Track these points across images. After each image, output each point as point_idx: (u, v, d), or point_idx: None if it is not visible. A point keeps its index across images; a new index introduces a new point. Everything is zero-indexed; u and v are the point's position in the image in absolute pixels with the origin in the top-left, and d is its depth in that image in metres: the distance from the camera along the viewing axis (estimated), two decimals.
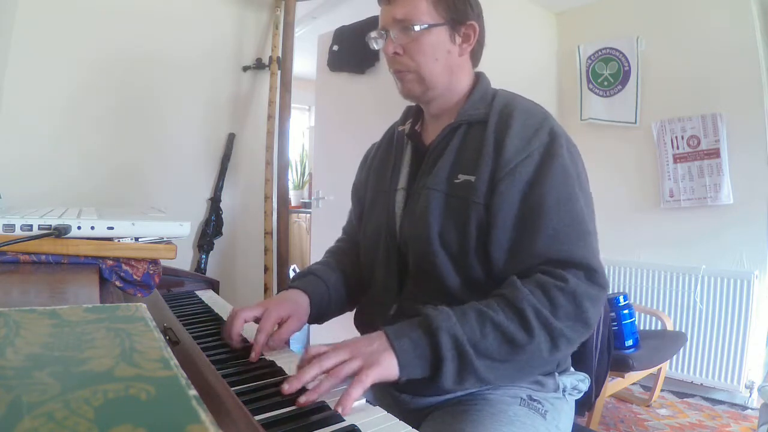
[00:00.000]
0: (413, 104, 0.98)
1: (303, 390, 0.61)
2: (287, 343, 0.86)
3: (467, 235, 0.77)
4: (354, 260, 1.00)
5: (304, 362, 0.64)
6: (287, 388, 0.60)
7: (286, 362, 0.73)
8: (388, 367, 0.64)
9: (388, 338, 0.66)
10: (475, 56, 0.89)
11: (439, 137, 0.86)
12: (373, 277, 0.93)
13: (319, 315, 0.92)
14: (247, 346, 0.79)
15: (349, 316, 1.00)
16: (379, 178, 0.97)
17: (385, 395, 0.86)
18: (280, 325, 0.83)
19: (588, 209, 0.77)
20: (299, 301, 0.88)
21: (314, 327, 2.70)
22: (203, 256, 2.05)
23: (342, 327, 1.03)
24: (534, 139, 0.77)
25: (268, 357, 0.75)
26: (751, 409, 2.21)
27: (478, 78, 0.90)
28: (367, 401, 0.62)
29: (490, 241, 0.76)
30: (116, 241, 0.72)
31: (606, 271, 0.80)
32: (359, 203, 1.04)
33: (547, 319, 0.67)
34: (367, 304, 0.96)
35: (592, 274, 0.72)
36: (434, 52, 0.83)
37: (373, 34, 0.87)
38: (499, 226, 0.75)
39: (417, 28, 0.81)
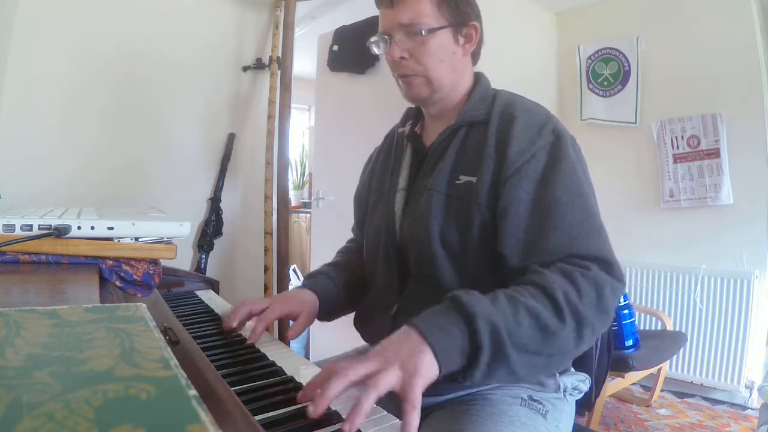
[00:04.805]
0: (413, 105, 0.98)
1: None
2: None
3: (469, 236, 0.77)
4: (362, 259, 1.01)
5: (321, 379, 0.54)
6: (312, 411, 0.51)
7: (286, 361, 0.73)
8: (430, 369, 0.56)
9: (421, 333, 0.58)
10: (475, 56, 0.90)
11: (439, 138, 0.86)
12: (374, 277, 0.94)
13: (329, 312, 0.95)
14: (242, 339, 0.83)
15: (349, 317, 1.00)
16: (380, 181, 0.98)
17: (384, 395, 0.85)
18: (289, 320, 0.86)
19: (597, 206, 0.77)
20: (307, 299, 0.91)
21: (314, 325, 2.70)
22: (203, 256, 2.05)
23: (342, 326, 1.04)
24: (538, 139, 0.76)
25: (269, 356, 0.75)
26: (751, 409, 2.21)
27: (478, 78, 0.90)
28: None
29: (500, 241, 0.74)
30: (116, 241, 0.72)
31: None
32: (362, 207, 1.05)
33: (576, 305, 0.64)
34: (367, 304, 0.96)
35: (611, 267, 0.71)
36: (441, 55, 0.83)
37: (374, 38, 0.86)
38: (510, 225, 0.73)
39: (424, 32, 0.81)
